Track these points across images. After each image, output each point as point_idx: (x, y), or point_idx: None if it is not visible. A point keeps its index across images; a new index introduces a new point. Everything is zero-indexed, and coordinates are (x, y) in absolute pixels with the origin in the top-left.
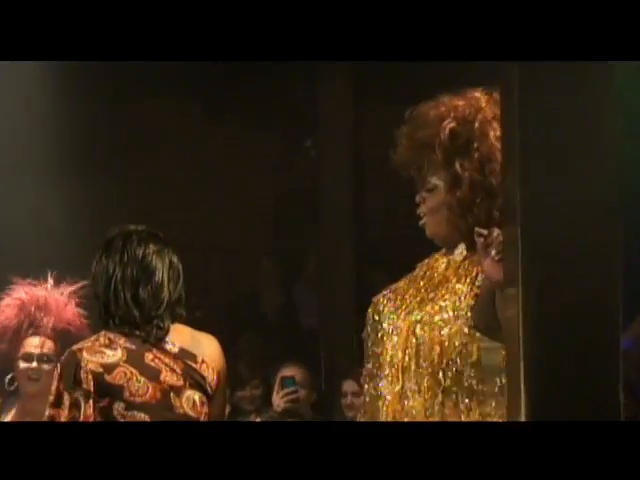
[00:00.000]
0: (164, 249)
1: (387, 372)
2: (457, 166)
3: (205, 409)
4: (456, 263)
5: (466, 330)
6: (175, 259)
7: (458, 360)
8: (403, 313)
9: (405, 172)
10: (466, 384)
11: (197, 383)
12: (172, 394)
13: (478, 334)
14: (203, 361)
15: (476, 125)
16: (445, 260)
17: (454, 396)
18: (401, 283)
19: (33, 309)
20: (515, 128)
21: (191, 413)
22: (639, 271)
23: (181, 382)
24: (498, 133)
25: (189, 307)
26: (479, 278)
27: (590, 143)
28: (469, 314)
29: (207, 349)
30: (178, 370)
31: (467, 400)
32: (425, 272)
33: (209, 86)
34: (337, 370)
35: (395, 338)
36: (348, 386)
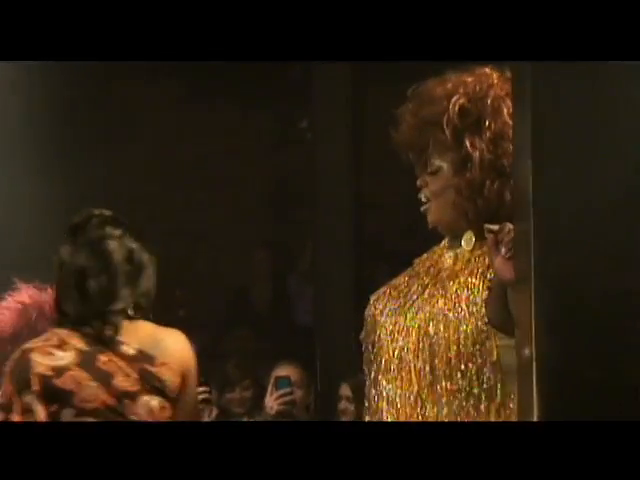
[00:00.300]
0: (125, 235)
1: (396, 376)
2: (467, 145)
3: (167, 414)
4: (465, 256)
5: (483, 327)
6: (137, 247)
7: (477, 360)
8: (410, 312)
9: (405, 153)
10: (486, 385)
11: (155, 387)
12: (126, 400)
13: (494, 331)
14: (163, 363)
15: (488, 101)
16: (452, 254)
17: (473, 399)
18: (401, 279)
19: (35, 316)
20: (527, 118)
21: (149, 420)
22: None
23: (136, 387)
24: (512, 110)
25: (172, 304)
26: (491, 270)
27: (606, 134)
28: (484, 309)
29: (169, 348)
30: (133, 374)
31: (488, 402)
32: (429, 268)
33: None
34: (335, 370)
35: (402, 339)
36: (343, 390)
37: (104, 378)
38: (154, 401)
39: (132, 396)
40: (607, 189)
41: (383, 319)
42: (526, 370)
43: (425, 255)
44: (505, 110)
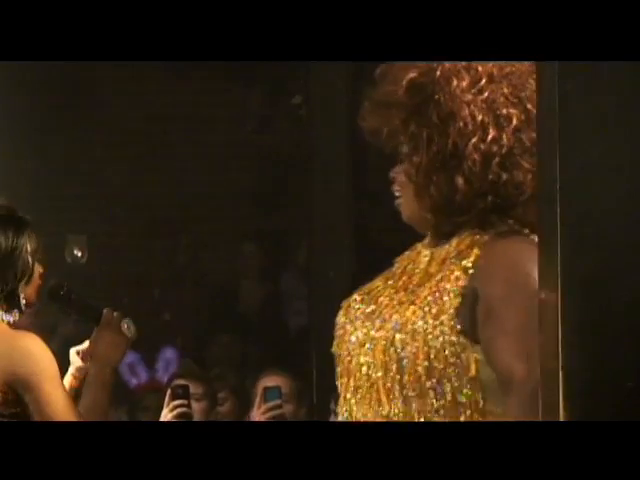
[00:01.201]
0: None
1: (364, 395)
2: (413, 127)
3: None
4: (440, 256)
5: (455, 338)
6: None
7: (452, 376)
8: (378, 321)
9: (377, 144)
10: (464, 405)
11: None
12: None
13: (470, 343)
14: None
15: (438, 73)
16: (428, 253)
17: (443, 419)
18: (377, 282)
19: None
20: (554, 114)
21: None
22: None
23: None
24: (465, 84)
25: (155, 307)
26: (468, 273)
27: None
28: (456, 318)
29: None
30: None
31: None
32: (405, 267)
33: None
34: (332, 379)
35: (370, 352)
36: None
37: None
38: None
39: None
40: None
41: (352, 329)
42: (551, 382)
43: (406, 252)
44: (455, 82)
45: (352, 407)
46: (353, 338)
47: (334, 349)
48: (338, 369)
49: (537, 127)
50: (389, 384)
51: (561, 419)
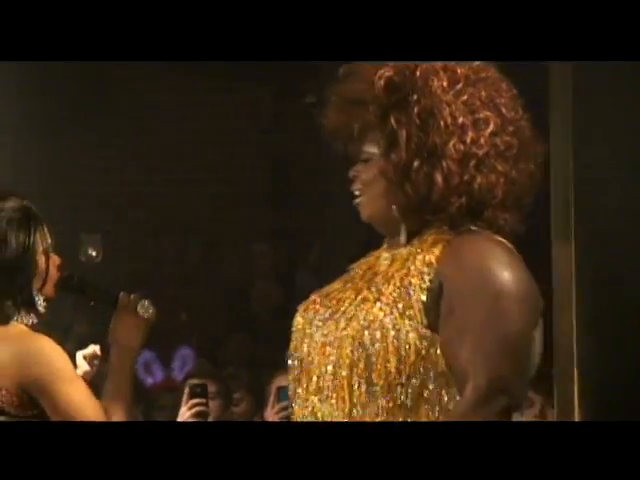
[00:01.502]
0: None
1: (329, 394)
2: (392, 122)
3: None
4: (402, 255)
5: (424, 333)
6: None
7: (420, 371)
8: (343, 320)
9: (337, 143)
10: (432, 400)
11: None
12: None
13: (438, 337)
14: None
15: (417, 73)
16: (388, 256)
17: (416, 417)
18: (335, 285)
19: None
20: (569, 123)
21: None
22: None
23: None
24: (445, 84)
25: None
26: (433, 268)
27: None
28: (423, 312)
29: (4, 359)
30: None
31: (435, 418)
32: (365, 272)
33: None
34: None
35: (335, 352)
36: None
37: None
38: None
39: None
40: None
41: (313, 330)
42: (564, 379)
43: (362, 259)
44: (436, 82)
45: (315, 406)
46: (315, 339)
47: (291, 351)
48: (296, 371)
49: (547, 127)
50: (356, 381)
51: (576, 417)
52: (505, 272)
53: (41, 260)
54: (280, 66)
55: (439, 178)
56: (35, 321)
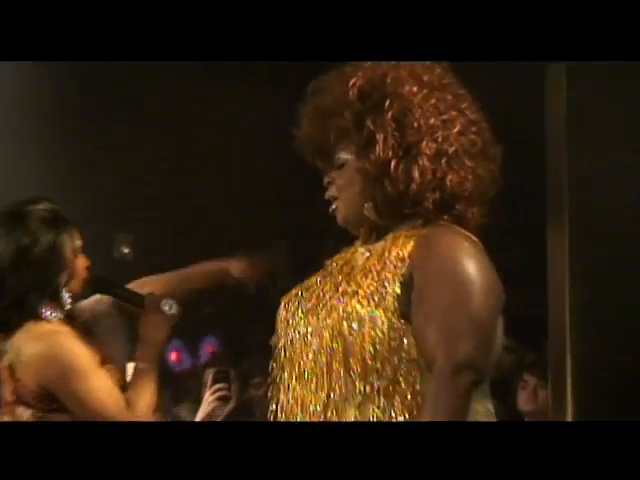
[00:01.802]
0: (14, 231)
1: (310, 379)
2: (370, 125)
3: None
4: (377, 251)
5: (397, 323)
6: (27, 241)
7: (394, 358)
8: (323, 311)
9: (310, 154)
10: (404, 385)
11: (21, 398)
12: (15, 411)
13: (411, 325)
14: (22, 372)
15: (388, 81)
16: (365, 251)
17: (390, 400)
18: (313, 280)
19: None
20: (561, 123)
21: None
22: None
23: (12, 398)
24: (415, 89)
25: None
26: (405, 262)
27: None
28: (397, 304)
29: (26, 356)
30: (9, 383)
31: (407, 401)
32: (342, 266)
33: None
34: None
35: (316, 341)
36: None
37: None
38: (26, 413)
39: (10, 407)
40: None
41: (295, 321)
42: (559, 370)
43: (338, 255)
44: (407, 88)
45: (295, 392)
46: (299, 330)
47: (273, 341)
48: (279, 360)
49: (545, 127)
50: (335, 368)
51: (568, 398)
52: (470, 262)
53: (69, 259)
54: (294, 70)
55: (416, 174)
56: (61, 316)
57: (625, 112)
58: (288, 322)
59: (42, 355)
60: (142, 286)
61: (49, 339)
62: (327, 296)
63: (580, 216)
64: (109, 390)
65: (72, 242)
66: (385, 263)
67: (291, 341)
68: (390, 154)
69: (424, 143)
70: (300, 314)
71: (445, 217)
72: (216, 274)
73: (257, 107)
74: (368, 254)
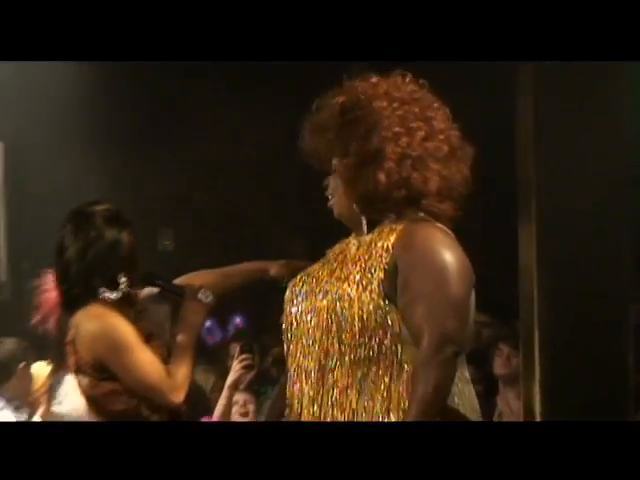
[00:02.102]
0: (82, 228)
1: (310, 350)
2: (346, 135)
3: (97, 391)
4: (366, 242)
5: (381, 303)
6: (93, 236)
7: (379, 332)
8: (321, 294)
9: (313, 162)
10: (388, 354)
11: (80, 368)
12: (77, 378)
13: (394, 307)
14: (80, 346)
15: (363, 98)
16: (356, 242)
17: (375, 367)
18: (315, 267)
19: None
20: (529, 123)
21: (84, 395)
22: None
23: (74, 367)
24: (385, 104)
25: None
26: (389, 252)
27: (601, 134)
28: (381, 287)
29: (83, 332)
30: (72, 355)
31: (391, 368)
32: (337, 255)
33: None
34: None
35: (314, 318)
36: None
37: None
38: (85, 380)
39: (72, 374)
40: (601, 184)
41: (298, 302)
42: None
43: (337, 245)
44: (377, 103)
45: (299, 361)
46: (300, 309)
47: (282, 319)
48: (286, 335)
49: (515, 128)
50: (330, 341)
51: (536, 362)
52: (446, 251)
53: (126, 252)
54: (306, 73)
55: (382, 176)
56: (117, 297)
57: (591, 112)
58: (292, 302)
59: (95, 332)
60: (193, 278)
61: (102, 319)
62: (323, 281)
63: (546, 210)
64: (152, 362)
65: (130, 238)
66: (372, 253)
67: (295, 318)
68: (360, 159)
69: (389, 149)
70: (303, 296)
71: (420, 212)
72: (255, 273)
73: (275, 122)
74: (358, 244)
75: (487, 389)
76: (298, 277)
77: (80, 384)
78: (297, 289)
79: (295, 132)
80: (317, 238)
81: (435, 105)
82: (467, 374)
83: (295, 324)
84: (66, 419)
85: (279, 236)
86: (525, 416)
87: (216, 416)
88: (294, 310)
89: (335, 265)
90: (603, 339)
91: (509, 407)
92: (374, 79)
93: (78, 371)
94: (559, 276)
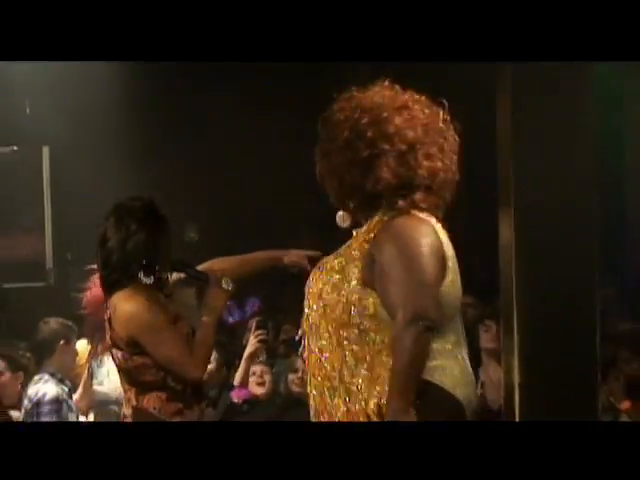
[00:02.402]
0: (123, 221)
1: (313, 327)
2: (330, 141)
3: (129, 364)
4: (358, 235)
5: (359, 288)
6: (134, 228)
7: (357, 313)
8: (320, 282)
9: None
10: (364, 331)
11: (115, 343)
12: (112, 351)
13: (371, 290)
14: (116, 323)
15: (348, 108)
16: (355, 233)
17: (355, 346)
18: (326, 258)
19: None
20: (508, 122)
21: (118, 367)
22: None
23: (110, 342)
24: (366, 120)
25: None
26: (370, 243)
27: (572, 134)
28: (359, 274)
29: (118, 311)
30: (109, 331)
31: (366, 343)
32: (343, 246)
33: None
34: None
35: (314, 302)
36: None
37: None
38: (119, 353)
39: (109, 349)
40: (576, 182)
41: (308, 288)
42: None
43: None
44: (357, 115)
45: (307, 340)
46: (309, 294)
47: (305, 300)
48: (304, 317)
49: (496, 125)
50: (323, 320)
51: (515, 347)
52: (420, 238)
53: (161, 242)
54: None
55: (357, 174)
56: (151, 281)
57: (568, 111)
58: (307, 289)
59: (130, 312)
60: (214, 264)
61: (134, 300)
62: (325, 269)
63: (524, 201)
64: (177, 340)
65: (165, 230)
66: (360, 243)
67: (308, 302)
68: (338, 162)
69: (367, 152)
70: (311, 283)
71: (407, 205)
72: (270, 261)
73: (285, 127)
74: (354, 237)
75: (471, 363)
76: (317, 266)
77: (115, 357)
78: (311, 277)
79: (308, 131)
80: (327, 232)
81: (426, 110)
82: (455, 348)
83: (306, 307)
84: (105, 398)
85: (291, 228)
86: (505, 387)
87: (235, 383)
88: (307, 296)
89: (334, 257)
90: (573, 314)
91: (489, 378)
92: (361, 93)
93: (114, 345)
94: (534, 260)
